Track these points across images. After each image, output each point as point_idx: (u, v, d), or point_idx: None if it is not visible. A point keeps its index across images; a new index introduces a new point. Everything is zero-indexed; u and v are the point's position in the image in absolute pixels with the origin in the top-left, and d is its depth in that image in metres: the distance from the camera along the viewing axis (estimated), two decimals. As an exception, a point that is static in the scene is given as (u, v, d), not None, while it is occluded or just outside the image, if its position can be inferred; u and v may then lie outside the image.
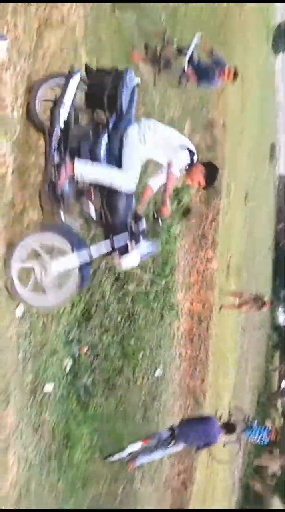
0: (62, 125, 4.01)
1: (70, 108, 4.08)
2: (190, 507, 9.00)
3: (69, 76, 4.05)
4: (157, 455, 7.23)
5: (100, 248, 4.14)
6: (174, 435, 7.01)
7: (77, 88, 4.13)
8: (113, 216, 4.18)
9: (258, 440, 10.45)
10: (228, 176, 12.53)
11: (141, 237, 4.22)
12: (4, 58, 3.52)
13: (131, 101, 4.22)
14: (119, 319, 7.05)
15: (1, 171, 3.68)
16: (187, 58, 7.32)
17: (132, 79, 4.21)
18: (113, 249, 4.15)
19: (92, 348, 6.35)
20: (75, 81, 4.06)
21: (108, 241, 4.15)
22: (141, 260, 4.37)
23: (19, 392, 4.40)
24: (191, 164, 4.37)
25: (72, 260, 3.96)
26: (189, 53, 7.31)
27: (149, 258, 6.87)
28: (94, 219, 4.21)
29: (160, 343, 8.53)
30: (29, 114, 4.05)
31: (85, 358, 6.23)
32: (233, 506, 15.46)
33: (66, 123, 4.07)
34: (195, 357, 9.98)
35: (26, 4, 3.93)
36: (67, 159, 4.01)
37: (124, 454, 6.80)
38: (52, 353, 5.33)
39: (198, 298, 10.19)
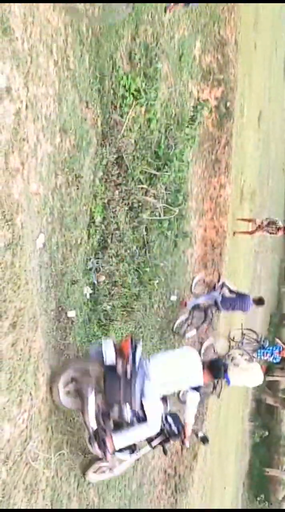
0: (95, 426, 4.72)
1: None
2: (207, 420, 9.62)
3: (85, 402, 4.67)
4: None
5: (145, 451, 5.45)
6: (217, 305, 8.49)
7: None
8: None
9: (270, 358, 10.89)
10: (241, 96, 12.17)
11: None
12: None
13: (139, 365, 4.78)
14: (134, 247, 7.21)
15: (16, 106, 3.70)
16: None
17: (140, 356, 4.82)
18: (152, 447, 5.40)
19: (110, 276, 6.58)
20: (92, 400, 4.66)
21: (148, 447, 5.41)
22: None
23: (45, 318, 4.67)
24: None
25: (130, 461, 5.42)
26: None
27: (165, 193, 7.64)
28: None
29: (175, 269, 8.74)
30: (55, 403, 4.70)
31: (103, 285, 6.48)
32: (246, 417, 16.41)
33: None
34: (209, 282, 10.21)
35: None
36: (107, 442, 4.78)
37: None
38: (72, 281, 5.56)
39: (211, 224, 10.27)
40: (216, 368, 5.44)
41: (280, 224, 11.37)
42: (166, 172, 7.59)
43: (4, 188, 3.59)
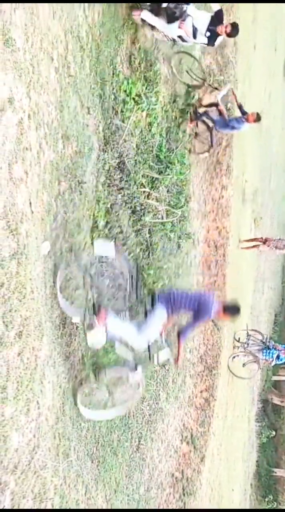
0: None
1: None
2: (213, 421, 9.62)
3: None
4: None
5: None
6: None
7: None
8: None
9: (275, 359, 10.90)
10: (241, 96, 12.15)
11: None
12: None
13: None
14: (138, 250, 7.21)
15: (19, 116, 3.70)
16: None
17: None
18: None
19: (114, 279, 6.58)
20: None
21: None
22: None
23: (50, 325, 4.67)
24: None
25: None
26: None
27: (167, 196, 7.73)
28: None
29: (179, 271, 8.74)
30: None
31: (107, 289, 6.47)
32: (252, 417, 16.38)
33: None
34: (213, 283, 10.22)
35: None
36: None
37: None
38: (77, 287, 5.57)
39: (214, 225, 10.27)
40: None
41: None
42: (168, 175, 7.60)
43: (8, 198, 3.59)
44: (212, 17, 6.90)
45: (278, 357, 10.66)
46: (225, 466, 11.46)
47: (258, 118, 9.00)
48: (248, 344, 10.83)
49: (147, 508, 6.90)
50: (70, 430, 5.09)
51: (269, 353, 10.67)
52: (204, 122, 9.10)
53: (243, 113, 9.01)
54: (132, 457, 6.68)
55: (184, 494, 8.07)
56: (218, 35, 6.99)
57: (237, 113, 9.45)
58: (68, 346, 5.36)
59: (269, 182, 18.61)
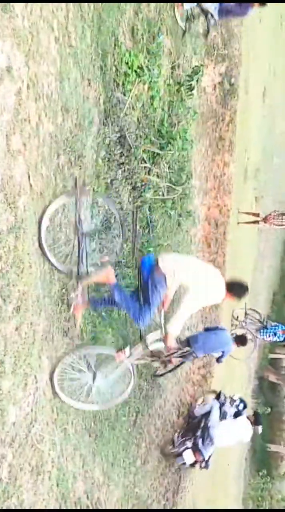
0: None
1: None
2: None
3: None
4: None
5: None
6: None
7: None
8: None
9: (274, 338, 10.94)
10: (245, 72, 11.92)
11: None
12: None
13: None
14: (138, 227, 7.15)
15: (17, 86, 3.61)
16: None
17: None
18: None
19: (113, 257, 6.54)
20: None
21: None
22: None
23: (48, 301, 4.65)
24: None
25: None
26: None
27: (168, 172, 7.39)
28: None
29: (178, 249, 8.70)
30: None
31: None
32: (249, 394, 16.56)
33: None
34: (213, 260, 10.18)
35: None
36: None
37: None
38: (76, 262, 5.52)
39: (215, 203, 10.18)
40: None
41: None
42: (170, 150, 7.46)
43: (6, 170, 3.52)
44: None
45: (275, 334, 10.69)
46: (221, 442, 11.59)
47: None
48: (246, 322, 10.86)
49: (143, 483, 7.01)
50: (68, 405, 5.11)
51: (266, 332, 10.71)
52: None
53: None
54: (130, 432, 6.75)
55: (180, 468, 8.20)
56: None
57: None
58: (66, 321, 5.36)
59: (271, 160, 18.41)
